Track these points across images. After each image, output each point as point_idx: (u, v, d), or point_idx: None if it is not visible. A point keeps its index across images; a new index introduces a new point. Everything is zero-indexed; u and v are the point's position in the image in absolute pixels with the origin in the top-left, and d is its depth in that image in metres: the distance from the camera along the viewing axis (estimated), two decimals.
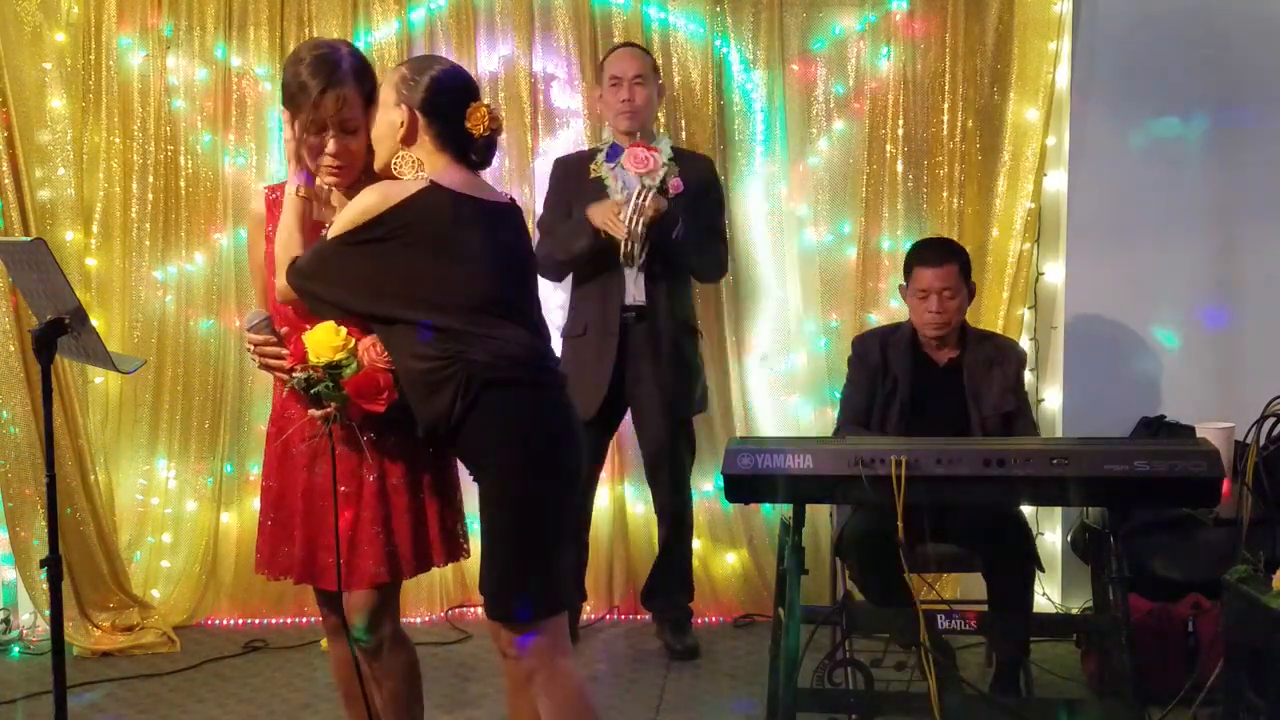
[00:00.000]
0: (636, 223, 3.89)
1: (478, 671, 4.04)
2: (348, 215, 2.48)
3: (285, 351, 2.53)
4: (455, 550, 2.74)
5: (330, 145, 2.56)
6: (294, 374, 2.50)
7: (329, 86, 2.52)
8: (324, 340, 2.47)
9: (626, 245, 3.90)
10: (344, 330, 2.49)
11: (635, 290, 4.06)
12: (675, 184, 4.07)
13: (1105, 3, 4.38)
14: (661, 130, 4.38)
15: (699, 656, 4.16)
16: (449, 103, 2.54)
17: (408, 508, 2.63)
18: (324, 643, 4.26)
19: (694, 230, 4.01)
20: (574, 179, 4.14)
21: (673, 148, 4.18)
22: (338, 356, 2.46)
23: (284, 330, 2.58)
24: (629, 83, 4.08)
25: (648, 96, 4.13)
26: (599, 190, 4.07)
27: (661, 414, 4.12)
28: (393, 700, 2.77)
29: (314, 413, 2.53)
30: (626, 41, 4.35)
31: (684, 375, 4.12)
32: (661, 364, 4.07)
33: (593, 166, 4.13)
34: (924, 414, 3.66)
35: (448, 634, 4.41)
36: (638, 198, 3.89)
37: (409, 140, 2.54)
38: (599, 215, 3.95)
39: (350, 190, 2.64)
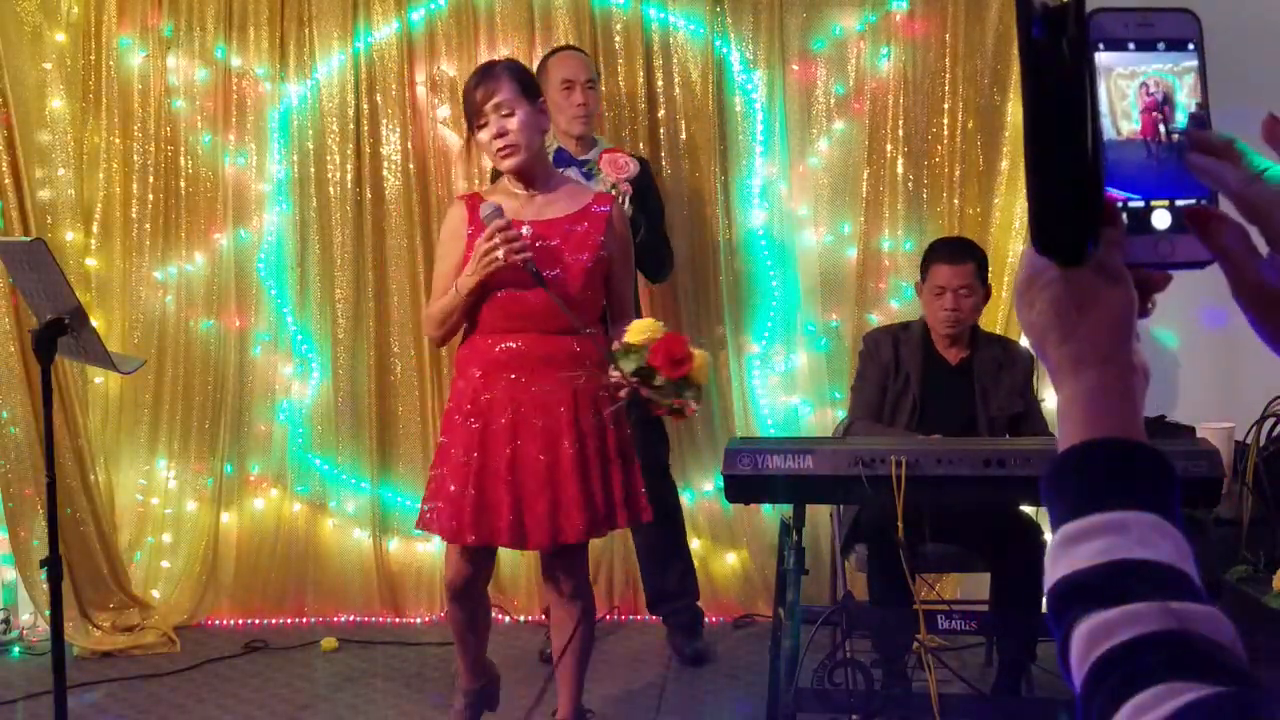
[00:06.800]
0: None
1: None
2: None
3: (523, 234, 2.93)
4: (636, 515, 3.13)
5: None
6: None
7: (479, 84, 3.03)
8: (639, 328, 2.90)
9: None
10: (659, 324, 2.91)
11: None
12: (625, 189, 3.97)
13: (1105, 3, 4.37)
14: (599, 135, 4.24)
15: (712, 661, 4.11)
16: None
17: (598, 476, 3.02)
18: (324, 643, 4.29)
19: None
20: None
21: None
22: (640, 339, 2.86)
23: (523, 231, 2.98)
24: (581, 86, 3.97)
25: (597, 100, 4.08)
26: None
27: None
28: (574, 646, 3.18)
29: (621, 393, 2.91)
30: (567, 45, 4.26)
31: None
32: None
33: None
34: (933, 412, 3.66)
35: (448, 634, 4.40)
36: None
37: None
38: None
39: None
